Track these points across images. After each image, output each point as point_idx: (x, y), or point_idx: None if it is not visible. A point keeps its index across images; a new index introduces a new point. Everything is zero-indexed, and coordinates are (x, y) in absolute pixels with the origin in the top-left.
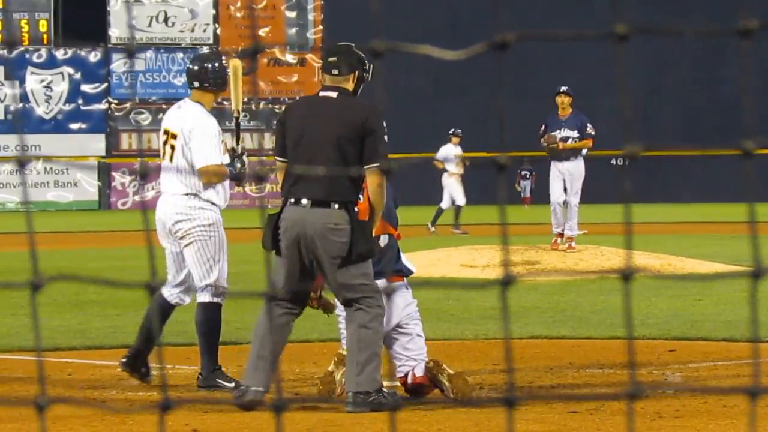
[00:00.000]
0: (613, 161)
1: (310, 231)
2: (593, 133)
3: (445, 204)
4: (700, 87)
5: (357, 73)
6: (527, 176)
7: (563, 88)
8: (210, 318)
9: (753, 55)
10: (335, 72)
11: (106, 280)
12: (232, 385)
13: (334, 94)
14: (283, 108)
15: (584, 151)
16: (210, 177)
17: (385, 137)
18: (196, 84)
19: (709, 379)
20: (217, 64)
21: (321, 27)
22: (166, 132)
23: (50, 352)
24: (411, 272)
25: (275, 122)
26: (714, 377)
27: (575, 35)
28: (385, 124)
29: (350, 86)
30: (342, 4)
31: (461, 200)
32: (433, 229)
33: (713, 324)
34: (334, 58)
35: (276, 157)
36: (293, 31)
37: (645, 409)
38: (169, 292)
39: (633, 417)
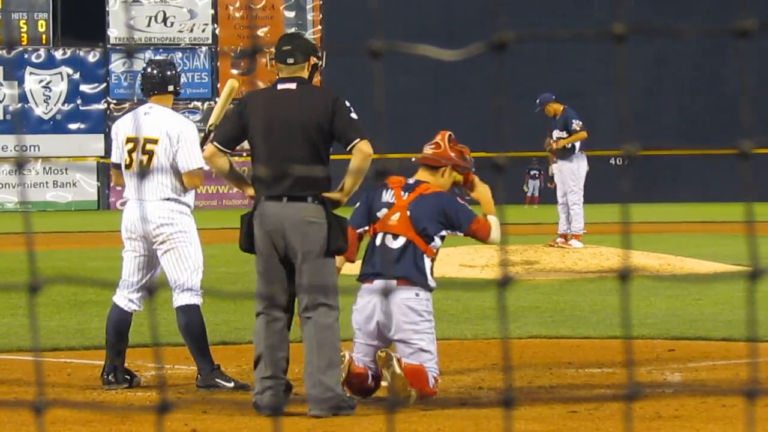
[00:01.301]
0: (613, 161)
1: (287, 225)
2: (578, 128)
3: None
4: (700, 87)
5: (311, 60)
6: (536, 176)
7: (537, 101)
8: (193, 319)
9: (753, 55)
10: (291, 60)
11: (103, 282)
12: (232, 385)
13: (293, 86)
14: (242, 98)
15: (577, 148)
16: (196, 180)
17: (353, 115)
18: (171, 88)
19: (709, 378)
20: (175, 71)
21: (320, 27)
22: (135, 140)
23: (49, 352)
24: (430, 287)
25: (230, 111)
26: (713, 377)
27: (573, 35)
28: (348, 104)
29: (305, 74)
30: (341, 5)
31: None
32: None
33: (712, 323)
34: (289, 47)
35: (215, 143)
36: (292, 30)
37: (644, 409)
38: (126, 300)
39: (631, 418)
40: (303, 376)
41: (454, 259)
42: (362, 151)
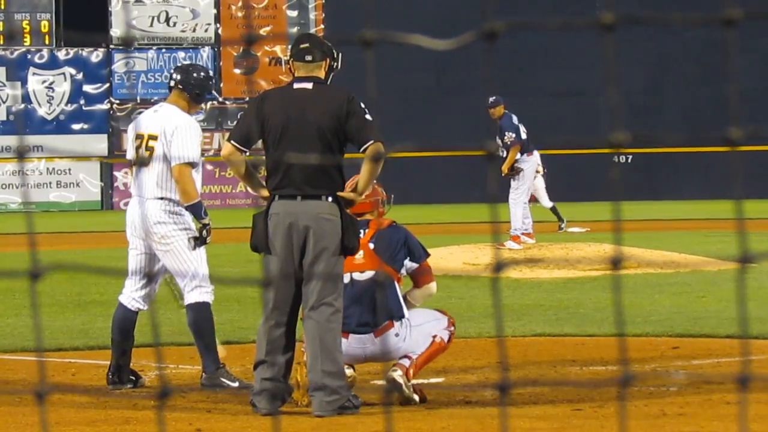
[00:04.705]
0: (616, 158)
1: (303, 221)
2: (509, 142)
3: (545, 203)
4: (703, 84)
5: (328, 60)
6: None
7: (490, 100)
8: (201, 317)
9: (754, 55)
10: (308, 58)
11: (98, 268)
12: (236, 384)
13: (309, 85)
14: (258, 95)
15: (518, 156)
16: (184, 175)
17: (368, 116)
18: (187, 89)
19: (713, 376)
20: (199, 76)
21: (323, 26)
22: (141, 136)
23: (53, 352)
24: (403, 316)
25: (248, 104)
26: (718, 374)
27: (563, 25)
28: (363, 105)
29: (322, 74)
30: (343, 4)
31: (546, 203)
32: (563, 226)
33: (717, 320)
34: (306, 44)
35: (233, 142)
36: (295, 29)
37: (649, 407)
38: (130, 299)
39: (624, 405)
40: (307, 377)
41: (457, 257)
42: (376, 153)
